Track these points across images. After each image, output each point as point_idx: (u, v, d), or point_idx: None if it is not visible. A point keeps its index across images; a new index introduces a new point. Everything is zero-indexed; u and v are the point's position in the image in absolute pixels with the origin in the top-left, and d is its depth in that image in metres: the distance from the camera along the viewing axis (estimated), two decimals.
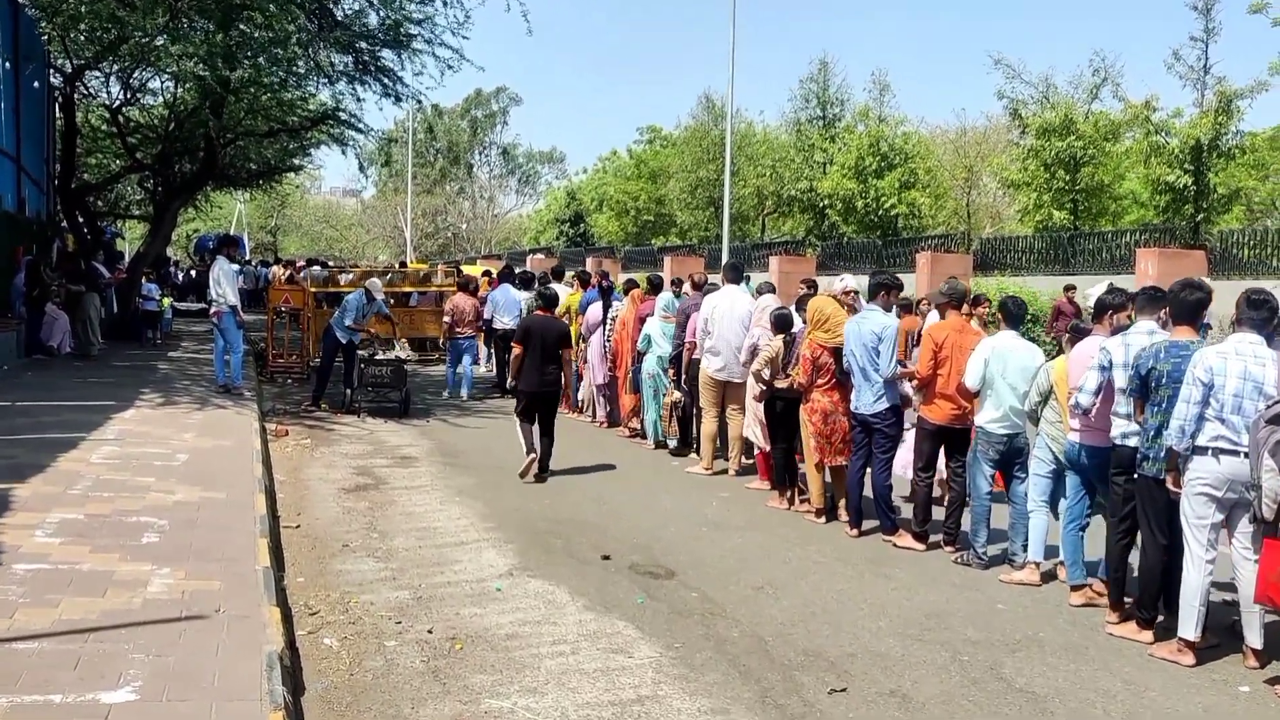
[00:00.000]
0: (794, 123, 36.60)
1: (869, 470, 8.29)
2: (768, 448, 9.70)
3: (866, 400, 8.14)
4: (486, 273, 22.84)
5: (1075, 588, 6.70)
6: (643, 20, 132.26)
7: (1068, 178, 26.65)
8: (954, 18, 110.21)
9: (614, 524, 8.42)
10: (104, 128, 25.21)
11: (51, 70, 22.76)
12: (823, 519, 8.83)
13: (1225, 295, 22.02)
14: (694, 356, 10.95)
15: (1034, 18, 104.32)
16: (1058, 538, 6.95)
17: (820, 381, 8.76)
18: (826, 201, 33.28)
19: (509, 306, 16.48)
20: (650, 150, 56.04)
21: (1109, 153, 27.16)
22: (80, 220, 24.44)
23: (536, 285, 16.96)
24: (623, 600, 6.45)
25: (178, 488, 8.13)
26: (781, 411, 9.29)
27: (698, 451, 11.48)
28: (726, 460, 10.74)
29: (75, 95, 22.41)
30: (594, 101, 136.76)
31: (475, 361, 19.77)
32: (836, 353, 8.66)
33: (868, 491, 8.31)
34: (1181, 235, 23.90)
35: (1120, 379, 6.18)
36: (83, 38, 20.01)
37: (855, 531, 8.23)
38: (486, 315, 16.87)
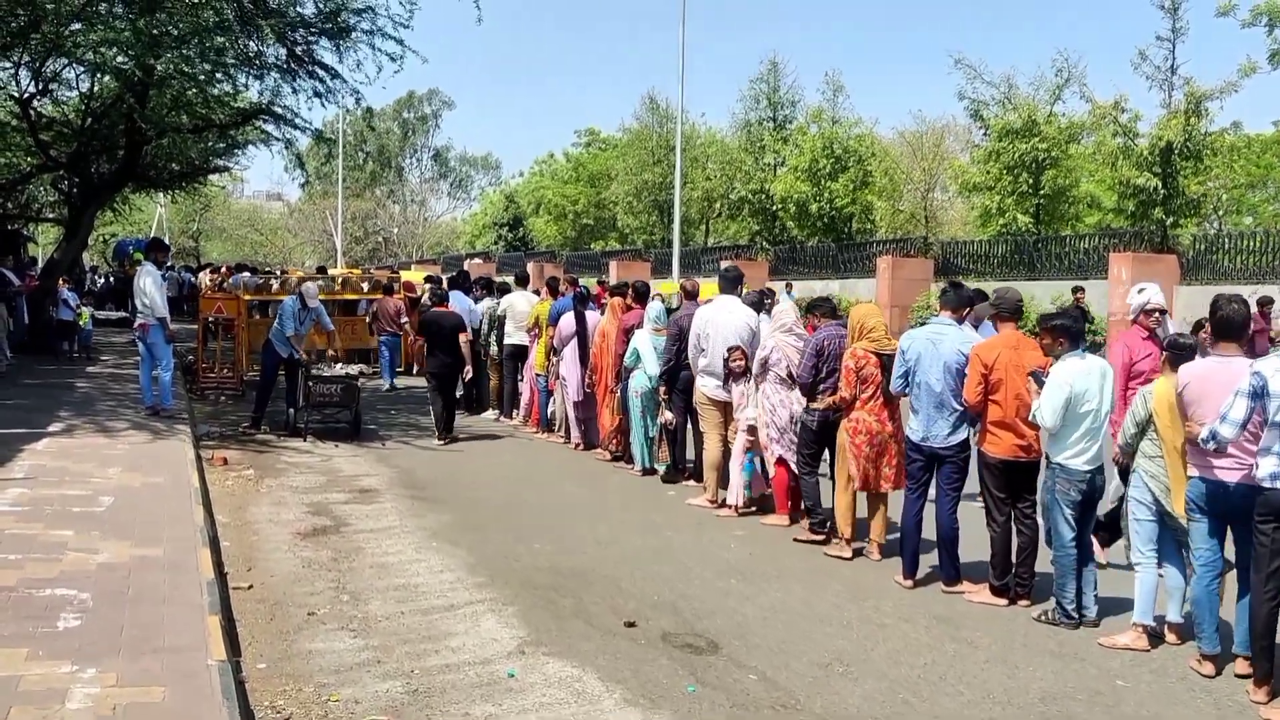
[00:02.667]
0: (743, 124, 35.60)
1: (920, 508, 7.18)
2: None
3: (940, 430, 7.00)
4: (430, 278, 21.46)
5: (1207, 657, 5.63)
6: (576, 23, 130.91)
7: (1031, 181, 25.97)
8: (909, 18, 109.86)
9: (625, 574, 7.19)
10: (13, 123, 23.26)
11: None
12: (848, 553, 7.75)
13: (1200, 300, 21.39)
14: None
15: (994, 18, 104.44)
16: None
17: (864, 396, 7.65)
18: (779, 204, 32.32)
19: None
20: (589, 154, 54.91)
21: (1071, 155, 26.57)
22: None
23: (496, 291, 15.67)
24: (668, 687, 5.22)
25: (102, 543, 6.71)
26: (819, 430, 8.18)
27: (694, 478, 10.32)
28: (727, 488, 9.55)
29: None
30: (528, 105, 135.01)
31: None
32: (883, 363, 7.57)
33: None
34: (1150, 239, 23.33)
35: (1271, 408, 5.12)
36: None
37: (910, 581, 7.08)
38: None
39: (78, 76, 21.24)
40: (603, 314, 12.11)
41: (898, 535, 7.35)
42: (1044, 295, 22.79)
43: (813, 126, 33.00)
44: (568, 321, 12.42)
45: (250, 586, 6.67)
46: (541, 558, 7.59)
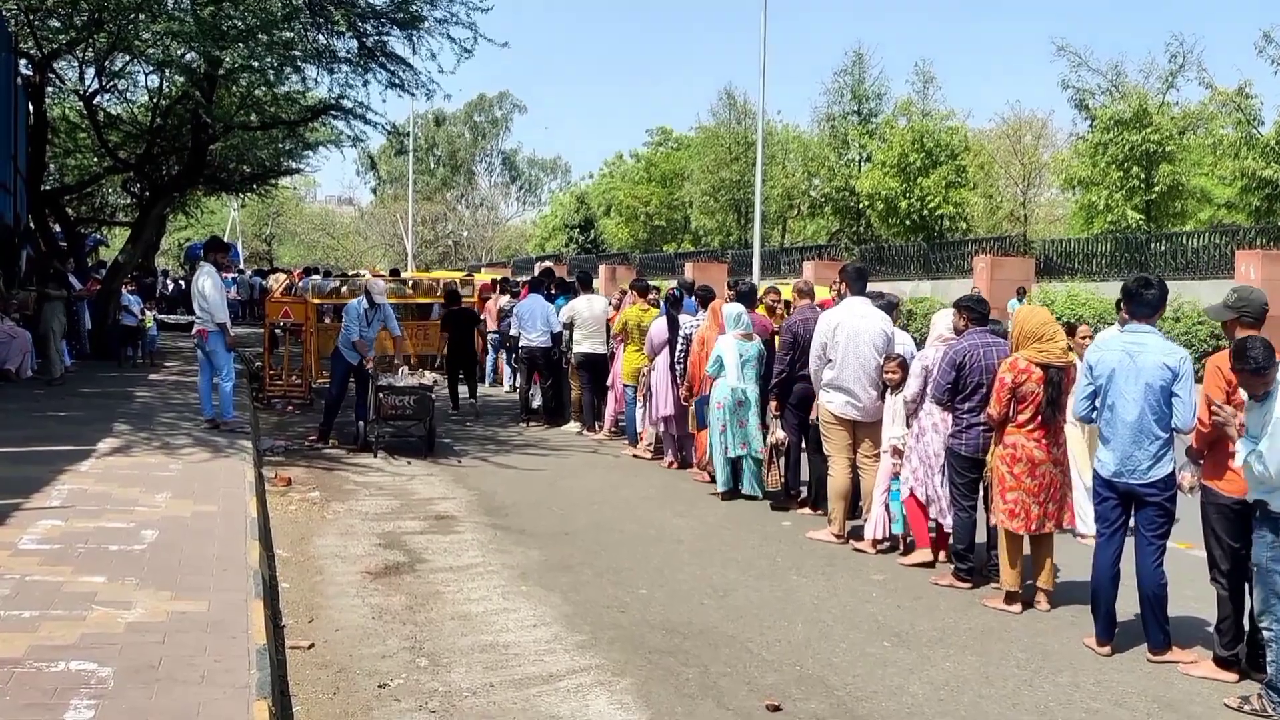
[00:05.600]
0: (825, 117, 34.14)
1: (1116, 557, 5.87)
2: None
3: (1140, 463, 5.64)
4: (504, 281, 20.49)
5: None
6: (644, 24, 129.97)
7: (1143, 174, 24.21)
8: (1004, 4, 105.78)
9: (753, 633, 5.98)
10: (81, 123, 22.75)
11: (19, 59, 20.25)
12: (1017, 607, 6.46)
13: None
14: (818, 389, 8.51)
15: (1099, 2, 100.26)
16: None
17: (1021, 418, 6.39)
18: (866, 202, 30.83)
19: (536, 320, 13.85)
20: (661, 153, 53.81)
21: (1185, 147, 24.75)
22: (56, 226, 22.04)
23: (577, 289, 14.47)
24: None
25: (137, 593, 5.65)
26: (973, 458, 6.94)
27: (808, 506, 9.09)
28: (859, 519, 8.30)
29: (46, 86, 19.96)
30: (596, 107, 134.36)
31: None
32: (1049, 378, 6.30)
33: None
34: (1278, 235, 21.50)
35: None
36: (54, 21, 17.63)
37: (1107, 648, 5.76)
38: (514, 331, 14.30)
39: (146, 76, 20.66)
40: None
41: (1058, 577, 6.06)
42: None
43: (901, 119, 31.47)
44: (659, 328, 11.29)
45: (311, 645, 5.59)
46: (651, 609, 6.41)
